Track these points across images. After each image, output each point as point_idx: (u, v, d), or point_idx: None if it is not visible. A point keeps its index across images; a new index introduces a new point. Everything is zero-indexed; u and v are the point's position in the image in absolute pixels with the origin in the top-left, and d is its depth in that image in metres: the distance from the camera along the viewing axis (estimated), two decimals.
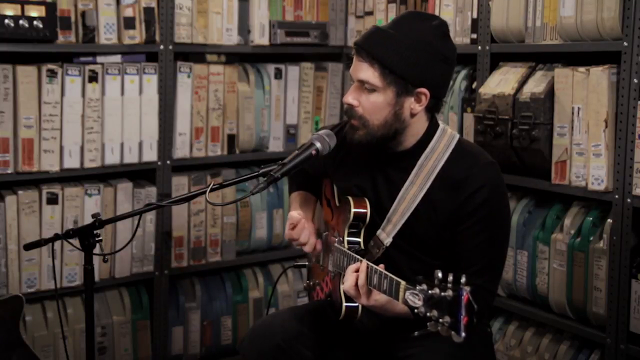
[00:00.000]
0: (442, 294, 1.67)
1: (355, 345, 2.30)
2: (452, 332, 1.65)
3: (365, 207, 2.20)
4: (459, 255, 2.09)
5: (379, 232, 2.18)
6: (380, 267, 1.96)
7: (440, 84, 2.16)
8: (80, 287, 3.19)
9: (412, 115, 2.13)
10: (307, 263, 2.53)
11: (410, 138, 2.17)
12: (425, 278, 1.74)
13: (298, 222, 2.31)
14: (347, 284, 2.02)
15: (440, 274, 1.70)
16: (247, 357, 2.30)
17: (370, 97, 2.11)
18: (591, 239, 2.76)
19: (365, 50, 2.09)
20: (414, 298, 1.74)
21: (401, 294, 1.83)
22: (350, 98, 2.14)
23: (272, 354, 2.23)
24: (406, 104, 2.11)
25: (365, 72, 2.10)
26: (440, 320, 1.67)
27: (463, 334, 1.63)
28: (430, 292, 1.70)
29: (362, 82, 2.11)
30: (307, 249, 2.34)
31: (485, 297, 2.07)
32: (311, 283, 2.48)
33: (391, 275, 1.89)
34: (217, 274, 3.66)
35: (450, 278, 1.67)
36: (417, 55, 2.07)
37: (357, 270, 2.01)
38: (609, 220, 2.70)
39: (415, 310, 1.73)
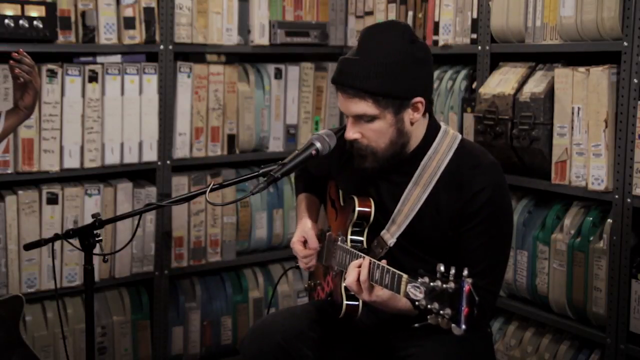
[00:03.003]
0: (444, 286, 1.67)
1: (356, 344, 2.30)
2: (453, 325, 1.65)
3: (370, 207, 2.20)
4: (462, 256, 2.08)
5: (383, 232, 2.19)
6: (383, 263, 1.96)
7: (428, 86, 2.17)
8: (80, 287, 3.19)
9: (412, 124, 2.13)
10: None
11: (413, 143, 2.17)
12: (428, 272, 1.74)
13: (310, 246, 2.36)
14: (349, 279, 2.02)
15: (442, 267, 1.70)
16: (247, 357, 2.30)
17: (371, 126, 2.10)
18: (591, 239, 2.76)
19: (349, 86, 2.07)
20: (415, 291, 1.74)
21: (403, 287, 1.84)
22: (351, 133, 2.12)
23: (272, 354, 2.23)
24: (406, 117, 2.11)
25: (358, 106, 2.08)
26: (441, 312, 1.66)
27: (463, 326, 1.63)
28: (432, 284, 1.70)
29: (358, 116, 2.10)
30: (303, 268, 2.41)
31: (488, 298, 2.07)
32: (312, 283, 2.49)
33: (393, 269, 1.90)
34: (217, 274, 3.66)
35: (453, 271, 1.67)
36: (399, 70, 2.06)
37: (359, 266, 2.02)
38: (609, 220, 2.70)
39: (417, 303, 1.73)
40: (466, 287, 1.62)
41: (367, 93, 2.05)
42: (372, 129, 2.10)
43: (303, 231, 2.39)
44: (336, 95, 3.75)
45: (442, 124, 2.23)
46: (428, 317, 1.70)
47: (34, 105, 2.57)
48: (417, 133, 2.16)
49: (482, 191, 2.08)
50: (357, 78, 2.06)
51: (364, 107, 2.07)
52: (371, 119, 2.08)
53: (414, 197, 2.14)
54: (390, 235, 2.17)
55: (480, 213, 2.08)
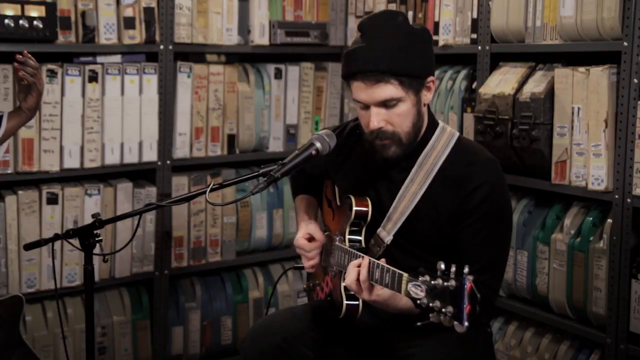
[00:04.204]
0: (445, 284, 1.66)
1: (356, 344, 2.30)
2: (455, 323, 1.64)
3: (367, 206, 2.20)
4: (461, 253, 2.08)
5: (379, 230, 2.18)
6: (382, 262, 1.96)
7: (434, 66, 2.21)
8: (80, 287, 3.19)
9: (424, 105, 2.16)
10: None
11: (421, 132, 2.17)
12: (428, 270, 1.74)
13: (317, 239, 2.34)
14: (349, 279, 2.02)
15: (442, 265, 1.69)
16: (248, 357, 2.30)
17: (396, 110, 2.08)
18: (591, 239, 2.76)
19: (372, 71, 2.05)
20: (416, 289, 1.73)
21: (403, 286, 1.83)
22: (376, 122, 2.09)
23: (273, 354, 2.24)
24: (422, 98, 2.13)
25: (384, 90, 2.06)
26: (443, 310, 1.66)
27: (466, 323, 1.62)
28: (432, 282, 1.69)
29: (382, 102, 2.08)
30: (308, 265, 2.36)
31: (489, 294, 2.07)
32: (311, 284, 2.49)
33: (393, 268, 1.89)
34: (217, 274, 3.66)
35: (453, 269, 1.66)
36: (414, 50, 2.08)
37: (359, 266, 2.01)
38: (609, 220, 2.70)
39: (418, 302, 1.73)
40: (467, 285, 1.62)
41: (392, 75, 2.04)
42: (397, 113, 2.08)
43: (307, 228, 2.38)
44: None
45: (440, 122, 2.24)
46: (430, 315, 1.70)
47: (37, 107, 2.58)
48: (425, 119, 2.18)
49: (480, 187, 2.08)
50: (379, 61, 2.04)
51: (391, 90, 2.06)
52: (396, 102, 2.07)
53: (410, 194, 2.14)
54: (387, 233, 2.17)
55: (479, 209, 2.07)
